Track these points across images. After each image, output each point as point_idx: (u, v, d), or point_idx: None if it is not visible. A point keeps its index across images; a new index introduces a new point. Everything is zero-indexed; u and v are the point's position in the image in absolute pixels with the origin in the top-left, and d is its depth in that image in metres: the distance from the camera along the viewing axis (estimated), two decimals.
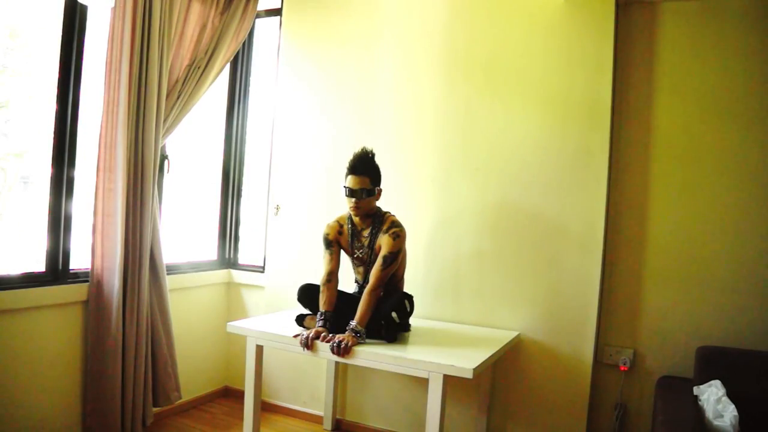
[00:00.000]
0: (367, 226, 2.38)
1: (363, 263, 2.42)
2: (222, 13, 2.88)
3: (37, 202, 2.45)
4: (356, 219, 2.38)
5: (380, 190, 2.36)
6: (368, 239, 2.38)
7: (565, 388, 2.51)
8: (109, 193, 2.44)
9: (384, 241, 2.31)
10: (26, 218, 2.58)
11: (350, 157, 2.35)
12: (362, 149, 2.35)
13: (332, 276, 2.37)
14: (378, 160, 2.37)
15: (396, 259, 2.31)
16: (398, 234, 2.31)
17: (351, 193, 2.30)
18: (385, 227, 2.34)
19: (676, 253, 2.44)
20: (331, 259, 2.40)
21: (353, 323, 2.18)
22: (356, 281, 2.53)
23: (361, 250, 2.40)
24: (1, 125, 2.48)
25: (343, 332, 2.18)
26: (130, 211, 2.50)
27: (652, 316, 2.48)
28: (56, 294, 2.36)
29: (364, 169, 2.30)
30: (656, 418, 2.04)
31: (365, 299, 2.23)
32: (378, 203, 2.40)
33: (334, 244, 2.43)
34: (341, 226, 2.45)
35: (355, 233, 2.42)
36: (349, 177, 2.31)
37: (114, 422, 2.46)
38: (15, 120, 2.54)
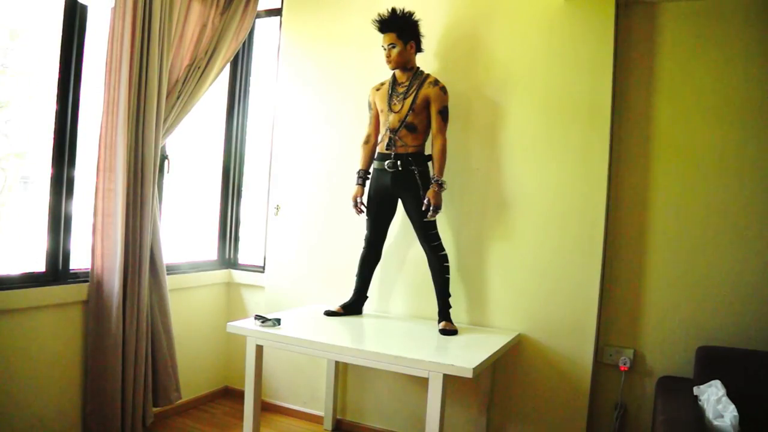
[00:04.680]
0: (406, 80, 2.55)
1: (396, 111, 2.53)
2: (222, 13, 2.88)
3: (37, 202, 2.46)
4: (397, 73, 2.58)
5: (412, 45, 2.54)
6: (405, 89, 2.53)
7: (565, 388, 2.51)
8: (109, 193, 2.44)
9: (433, 94, 2.48)
10: (26, 218, 2.58)
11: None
12: (391, 8, 2.53)
13: (370, 138, 2.66)
14: (410, 14, 2.52)
15: (448, 112, 2.51)
16: (445, 89, 2.50)
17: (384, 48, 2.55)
18: (431, 80, 2.50)
19: (677, 252, 2.44)
20: (370, 123, 2.67)
21: (435, 176, 2.44)
22: (385, 137, 2.56)
23: (398, 97, 2.54)
24: (1, 125, 2.48)
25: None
26: (130, 211, 2.50)
27: (652, 316, 2.48)
28: (56, 294, 2.36)
29: (387, 27, 2.52)
30: (656, 418, 2.04)
31: (437, 154, 2.45)
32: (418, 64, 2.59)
33: (372, 106, 2.66)
34: (382, 84, 2.65)
35: (395, 86, 2.58)
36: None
37: (114, 422, 2.46)
38: (15, 120, 2.54)
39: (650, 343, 2.48)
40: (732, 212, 2.36)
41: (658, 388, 2.27)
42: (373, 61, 2.93)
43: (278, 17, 3.25)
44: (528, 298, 2.59)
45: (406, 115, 2.49)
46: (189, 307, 3.09)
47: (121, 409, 2.49)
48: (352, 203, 2.63)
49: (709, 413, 1.97)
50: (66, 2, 2.36)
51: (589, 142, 2.49)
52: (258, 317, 2.43)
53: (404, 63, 2.54)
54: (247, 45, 3.38)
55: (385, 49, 2.54)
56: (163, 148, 2.85)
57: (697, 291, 2.40)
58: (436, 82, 2.50)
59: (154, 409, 2.74)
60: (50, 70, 2.39)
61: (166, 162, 2.91)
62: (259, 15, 3.25)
